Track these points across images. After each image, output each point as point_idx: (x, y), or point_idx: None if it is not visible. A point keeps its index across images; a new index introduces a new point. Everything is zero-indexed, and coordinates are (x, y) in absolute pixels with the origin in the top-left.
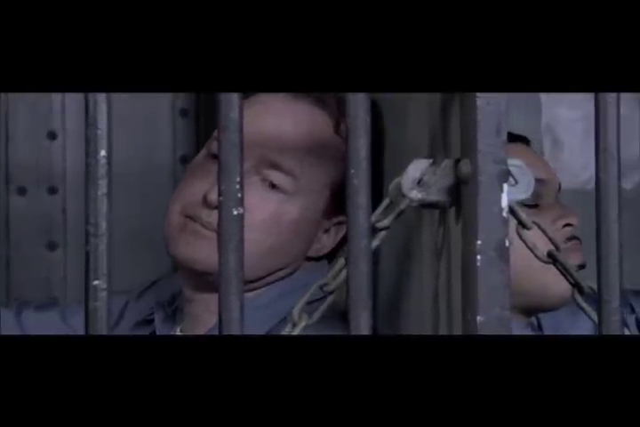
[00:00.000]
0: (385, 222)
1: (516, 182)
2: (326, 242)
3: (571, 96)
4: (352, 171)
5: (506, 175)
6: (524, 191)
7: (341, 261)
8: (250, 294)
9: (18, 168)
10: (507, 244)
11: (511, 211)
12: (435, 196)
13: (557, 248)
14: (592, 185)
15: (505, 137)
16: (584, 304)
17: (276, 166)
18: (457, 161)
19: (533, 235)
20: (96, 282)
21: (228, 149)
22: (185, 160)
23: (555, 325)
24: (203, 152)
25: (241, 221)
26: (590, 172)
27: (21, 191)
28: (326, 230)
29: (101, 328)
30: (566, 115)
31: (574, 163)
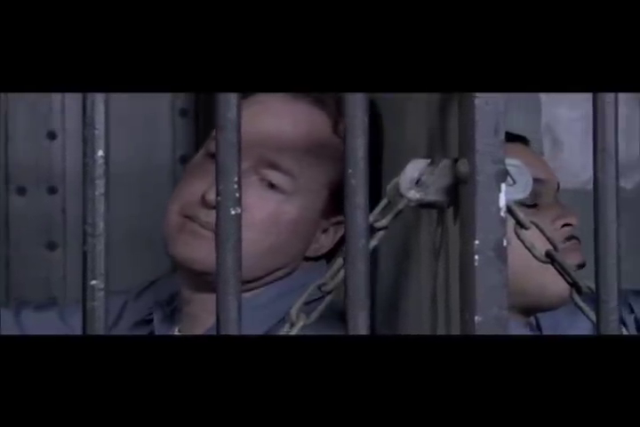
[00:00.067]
0: (383, 222)
1: (515, 182)
2: (325, 242)
3: (571, 96)
4: (350, 171)
5: (504, 175)
6: (522, 191)
7: (339, 260)
8: (248, 294)
9: (17, 168)
10: (504, 244)
11: (509, 211)
12: (433, 196)
13: (555, 248)
14: (592, 185)
15: (503, 137)
16: (582, 304)
17: (274, 166)
18: (455, 161)
19: (532, 235)
20: (94, 282)
21: (226, 148)
22: (184, 160)
23: (553, 324)
24: (201, 152)
25: (239, 220)
26: (590, 172)
27: (21, 191)
28: (325, 230)
29: (99, 328)
30: (566, 115)
31: (574, 163)
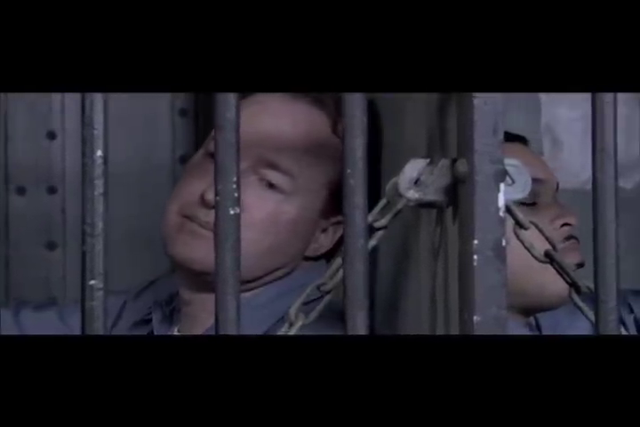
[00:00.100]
0: (382, 222)
1: (513, 182)
2: (324, 242)
3: (570, 96)
4: (348, 171)
5: (503, 175)
6: (521, 191)
7: (338, 260)
8: (247, 294)
9: (17, 168)
10: (503, 243)
11: (508, 210)
12: (432, 195)
13: (554, 248)
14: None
15: (502, 137)
16: (581, 304)
17: (273, 166)
18: (454, 161)
19: (531, 234)
20: (92, 282)
21: (225, 148)
22: (184, 160)
23: (553, 324)
24: (200, 152)
25: (237, 220)
26: (590, 172)
27: (21, 191)
28: (324, 230)
29: (98, 328)
30: (566, 114)
31: (574, 163)
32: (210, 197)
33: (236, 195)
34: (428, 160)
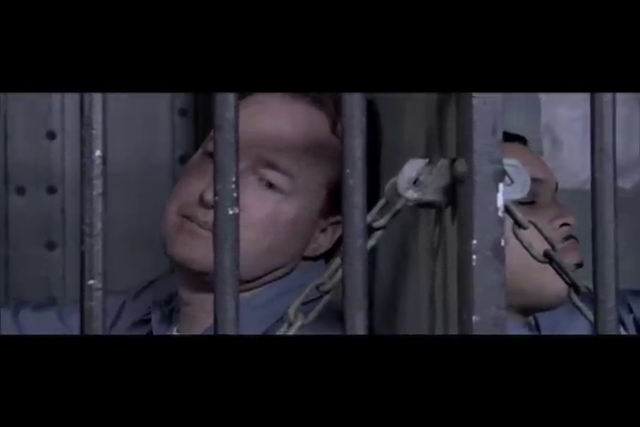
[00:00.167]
0: (381, 222)
1: (512, 182)
2: (323, 241)
3: (570, 96)
4: (347, 171)
5: (501, 175)
6: (519, 191)
7: (337, 260)
8: (247, 294)
9: (17, 168)
10: (502, 243)
11: (507, 210)
12: (431, 195)
13: (553, 248)
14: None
15: (501, 137)
16: (580, 304)
17: (272, 166)
18: (453, 161)
19: (529, 234)
20: (91, 282)
21: (224, 148)
22: (184, 160)
23: (552, 324)
24: (199, 152)
25: (236, 220)
26: (589, 171)
27: (20, 191)
28: (323, 230)
29: (97, 328)
30: (566, 114)
31: (574, 162)
32: (209, 197)
33: (234, 195)
34: (426, 160)
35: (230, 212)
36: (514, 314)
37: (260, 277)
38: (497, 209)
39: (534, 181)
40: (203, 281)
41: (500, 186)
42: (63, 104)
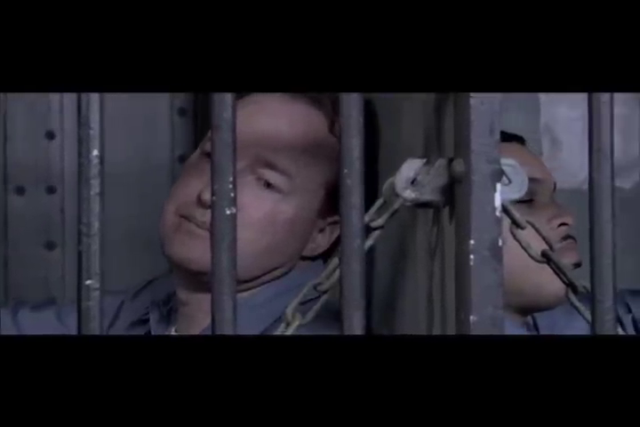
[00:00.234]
0: (379, 222)
1: (510, 182)
2: (321, 241)
3: (570, 96)
4: (345, 171)
5: (499, 175)
6: (517, 191)
7: (335, 260)
8: (245, 294)
9: (16, 168)
10: (500, 243)
11: (505, 210)
12: (428, 195)
13: (551, 248)
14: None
15: (498, 137)
16: (578, 303)
17: (271, 166)
18: (450, 160)
19: (527, 234)
20: (89, 282)
21: (221, 148)
22: (183, 160)
23: (550, 324)
24: (197, 151)
25: (234, 220)
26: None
27: (20, 191)
28: (321, 230)
29: (94, 328)
30: (565, 114)
31: (573, 162)
32: (206, 196)
33: (232, 195)
34: (424, 160)
35: (228, 212)
36: (512, 314)
37: (259, 276)
38: (494, 209)
39: (532, 180)
40: (200, 281)
41: (498, 186)
42: (62, 104)
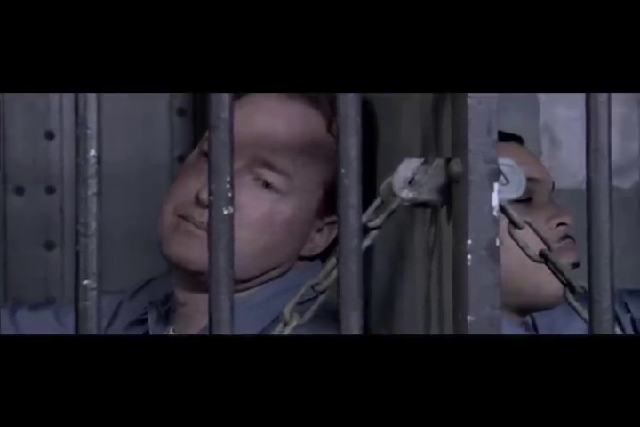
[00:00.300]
0: (376, 222)
1: (508, 182)
2: (319, 241)
3: (569, 95)
4: (343, 170)
5: (497, 174)
6: (515, 191)
7: (333, 260)
8: (243, 294)
9: (15, 168)
10: (497, 243)
11: (502, 210)
12: (426, 195)
13: (549, 247)
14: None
15: (496, 136)
16: (575, 303)
17: (269, 166)
18: (448, 160)
19: (526, 234)
20: (86, 282)
21: (219, 148)
22: (183, 159)
23: (549, 323)
24: (195, 151)
25: (231, 220)
26: None
27: (19, 191)
28: (319, 230)
29: (92, 328)
30: (564, 114)
31: (572, 162)
32: (204, 196)
33: (229, 194)
34: (422, 160)
35: (225, 211)
36: (510, 314)
37: (257, 276)
38: (492, 209)
39: (530, 180)
40: (198, 281)
41: (496, 186)
42: (61, 104)
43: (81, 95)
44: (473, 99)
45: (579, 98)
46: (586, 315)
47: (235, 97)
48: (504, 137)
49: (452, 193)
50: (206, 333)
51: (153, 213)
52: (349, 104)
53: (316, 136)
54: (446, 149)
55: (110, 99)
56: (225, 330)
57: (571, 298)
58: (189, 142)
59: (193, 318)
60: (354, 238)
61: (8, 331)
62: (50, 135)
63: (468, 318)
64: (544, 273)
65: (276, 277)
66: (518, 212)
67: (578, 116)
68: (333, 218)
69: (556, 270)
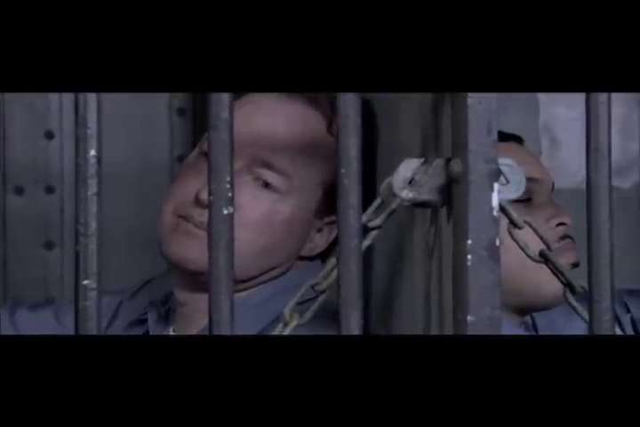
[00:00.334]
0: (376, 222)
1: (508, 182)
2: (319, 241)
3: (569, 95)
4: (342, 170)
5: (496, 174)
6: (514, 191)
7: (333, 260)
8: (242, 294)
9: (15, 168)
10: (497, 243)
11: (502, 210)
12: (426, 195)
13: (549, 247)
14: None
15: (496, 136)
16: (575, 303)
17: (268, 166)
18: (448, 160)
19: (525, 234)
20: (86, 282)
21: (219, 148)
22: (182, 160)
23: (550, 324)
24: (195, 151)
25: (231, 220)
26: None
27: (19, 191)
28: (319, 230)
29: (91, 328)
30: (564, 114)
31: (572, 162)
32: (204, 196)
33: (229, 194)
34: (422, 160)
35: (225, 211)
36: (510, 314)
37: (256, 276)
38: (492, 209)
39: (530, 180)
40: (198, 281)
41: (495, 186)
42: (61, 104)
43: (81, 95)
44: (473, 99)
45: (579, 98)
46: (586, 315)
47: (234, 97)
48: (504, 137)
49: (451, 193)
50: (206, 333)
51: (153, 213)
52: (349, 104)
53: (315, 136)
54: (446, 149)
55: (110, 99)
56: (225, 330)
57: (570, 298)
58: (189, 142)
59: (193, 318)
60: (354, 238)
61: (7, 331)
62: (49, 135)
63: (468, 318)
64: (544, 273)
65: (276, 278)
66: (518, 212)
67: (578, 116)
68: (333, 218)
69: (556, 270)
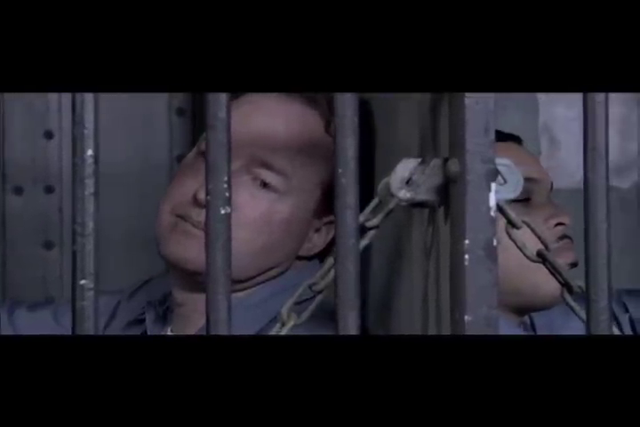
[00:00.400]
0: (374, 222)
1: (505, 181)
2: (317, 241)
3: (568, 95)
4: (340, 170)
5: (494, 174)
6: (512, 190)
7: (330, 260)
8: (241, 294)
9: (14, 167)
10: (494, 243)
11: (500, 210)
12: (423, 195)
13: (547, 247)
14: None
15: (493, 136)
16: (573, 303)
17: (267, 166)
18: (445, 160)
19: (523, 234)
20: (83, 281)
21: (216, 148)
22: (182, 159)
23: (548, 324)
24: (193, 151)
25: (228, 220)
26: None
27: (18, 191)
28: (317, 230)
29: (89, 328)
30: (563, 114)
31: (571, 162)
32: (202, 196)
33: (227, 194)
34: (419, 160)
35: (222, 211)
36: (508, 314)
37: (254, 276)
38: (489, 209)
39: (529, 180)
40: (196, 281)
41: (493, 185)
42: (60, 104)
43: (78, 95)
44: (470, 99)
45: (578, 98)
46: (583, 315)
47: (232, 97)
48: (502, 137)
49: (449, 193)
50: (204, 333)
51: (152, 213)
52: (347, 104)
53: (313, 136)
54: (444, 148)
55: (109, 99)
56: (222, 330)
57: (568, 298)
58: (188, 142)
59: (191, 318)
60: (351, 238)
61: (6, 331)
62: (49, 135)
63: (466, 317)
64: (542, 273)
65: (274, 277)
66: (516, 212)
67: (577, 116)
68: (331, 218)
69: (554, 270)
